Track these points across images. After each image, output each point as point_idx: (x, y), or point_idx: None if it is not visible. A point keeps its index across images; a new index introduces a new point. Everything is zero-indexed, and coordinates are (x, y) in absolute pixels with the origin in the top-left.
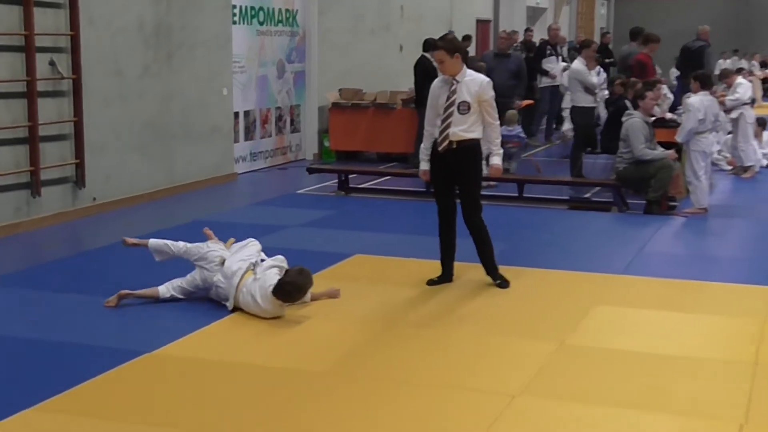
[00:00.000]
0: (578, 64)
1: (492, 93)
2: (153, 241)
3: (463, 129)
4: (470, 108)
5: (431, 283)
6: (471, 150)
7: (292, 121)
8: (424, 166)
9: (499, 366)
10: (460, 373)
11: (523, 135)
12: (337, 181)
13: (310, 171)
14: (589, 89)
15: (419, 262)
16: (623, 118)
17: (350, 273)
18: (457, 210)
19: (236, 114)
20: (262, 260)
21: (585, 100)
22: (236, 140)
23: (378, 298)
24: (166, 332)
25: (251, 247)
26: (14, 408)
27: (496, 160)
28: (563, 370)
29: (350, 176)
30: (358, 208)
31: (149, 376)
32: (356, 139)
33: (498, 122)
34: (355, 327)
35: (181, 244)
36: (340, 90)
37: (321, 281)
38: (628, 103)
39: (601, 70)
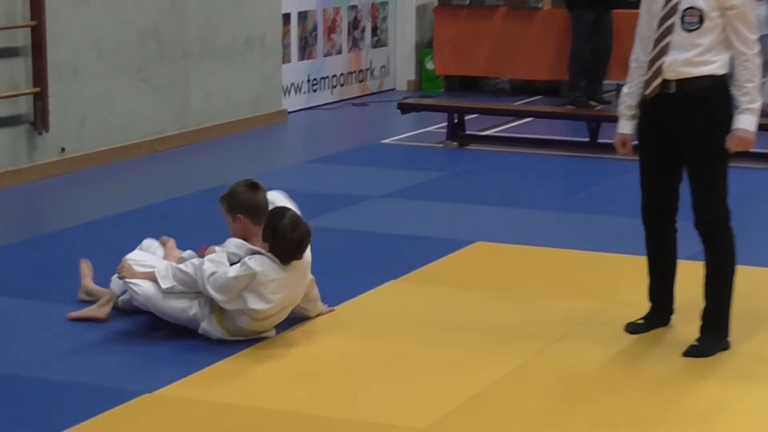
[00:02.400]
0: None
1: None
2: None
3: (688, 58)
4: (703, 20)
5: (634, 328)
6: (705, 96)
7: (374, 29)
8: (624, 127)
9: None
10: None
11: None
12: (446, 124)
13: (404, 108)
14: None
15: (579, 254)
16: None
17: (468, 271)
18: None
19: (286, 17)
20: None
21: None
22: (286, 59)
23: (513, 312)
24: (170, 365)
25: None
26: None
27: (745, 122)
28: None
29: (467, 117)
30: (478, 168)
31: (148, 425)
32: (476, 59)
33: (756, 50)
34: (474, 358)
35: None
36: None
37: (421, 283)
38: None
39: None
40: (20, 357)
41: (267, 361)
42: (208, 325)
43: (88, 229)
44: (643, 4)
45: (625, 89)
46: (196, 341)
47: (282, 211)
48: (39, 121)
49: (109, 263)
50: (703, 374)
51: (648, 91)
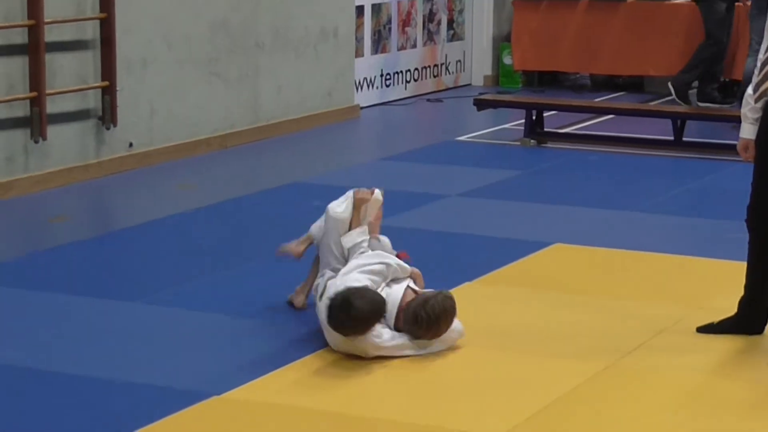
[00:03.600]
0: None
1: None
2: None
3: None
4: None
5: (704, 328)
6: None
7: (450, 22)
8: (747, 132)
9: None
10: None
11: None
12: (523, 121)
13: (480, 105)
14: None
15: (663, 257)
16: None
17: (546, 274)
18: None
19: (359, 10)
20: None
21: None
22: (359, 53)
23: (593, 317)
24: (240, 367)
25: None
26: None
27: None
28: None
29: (546, 114)
30: (557, 167)
31: (216, 428)
32: (556, 54)
33: None
34: (551, 365)
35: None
36: None
37: (497, 286)
38: None
39: None
40: (87, 357)
41: (340, 364)
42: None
43: (157, 227)
44: None
45: (749, 90)
46: (266, 343)
47: (346, 292)
48: (107, 115)
49: (180, 261)
50: None
51: (757, 94)
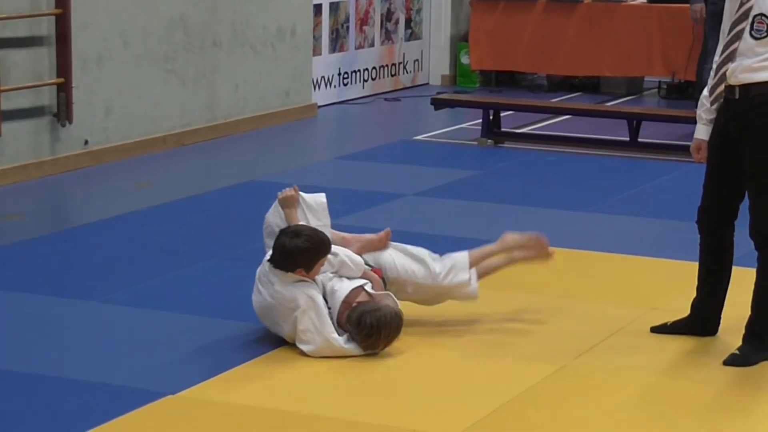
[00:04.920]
0: None
1: None
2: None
3: (749, 64)
4: None
5: (658, 328)
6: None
7: (408, 21)
8: (700, 132)
9: None
10: None
11: None
12: (480, 121)
13: (438, 104)
14: None
15: (618, 258)
16: None
17: (501, 274)
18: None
19: (317, 8)
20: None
21: None
22: (317, 52)
23: (547, 318)
24: (194, 367)
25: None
26: None
27: None
28: None
29: (503, 114)
30: (514, 167)
31: (171, 426)
32: (513, 54)
33: None
34: (506, 365)
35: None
36: None
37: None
38: None
39: None
40: (42, 356)
41: (293, 364)
42: None
43: (113, 225)
44: (726, 3)
45: (705, 92)
46: (222, 341)
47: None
48: (62, 112)
49: (136, 259)
50: (744, 384)
51: (712, 97)
